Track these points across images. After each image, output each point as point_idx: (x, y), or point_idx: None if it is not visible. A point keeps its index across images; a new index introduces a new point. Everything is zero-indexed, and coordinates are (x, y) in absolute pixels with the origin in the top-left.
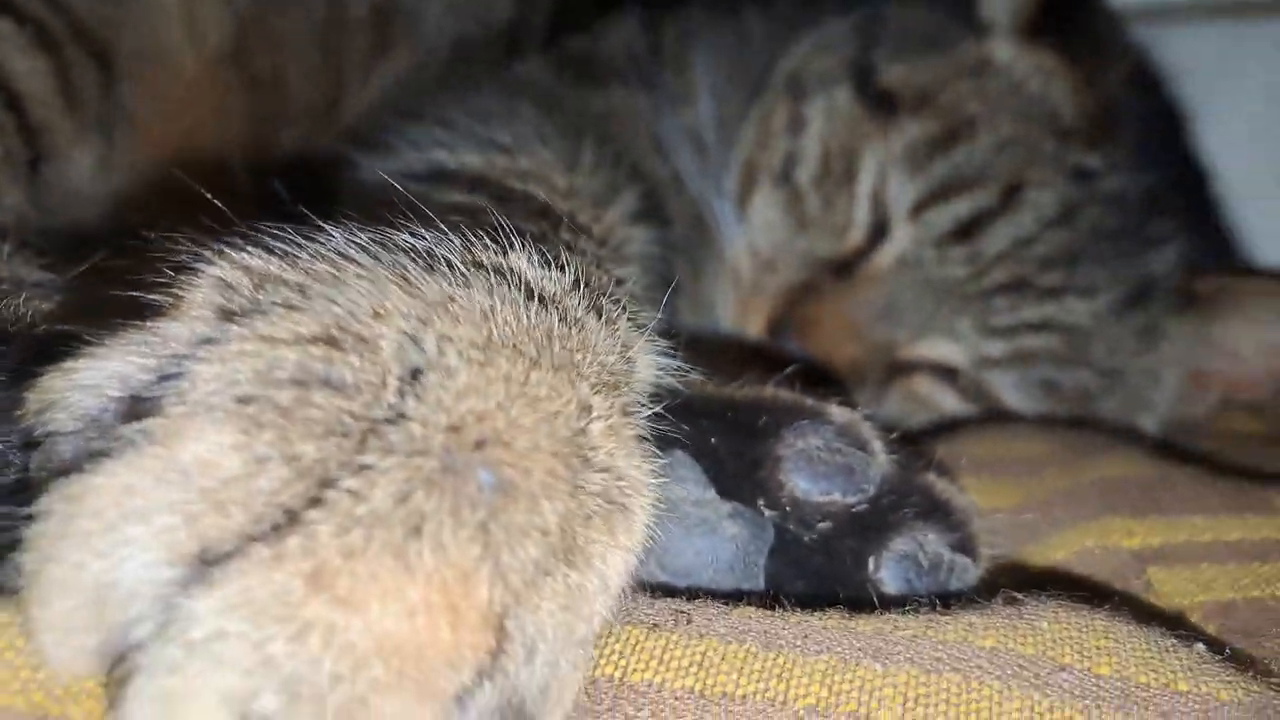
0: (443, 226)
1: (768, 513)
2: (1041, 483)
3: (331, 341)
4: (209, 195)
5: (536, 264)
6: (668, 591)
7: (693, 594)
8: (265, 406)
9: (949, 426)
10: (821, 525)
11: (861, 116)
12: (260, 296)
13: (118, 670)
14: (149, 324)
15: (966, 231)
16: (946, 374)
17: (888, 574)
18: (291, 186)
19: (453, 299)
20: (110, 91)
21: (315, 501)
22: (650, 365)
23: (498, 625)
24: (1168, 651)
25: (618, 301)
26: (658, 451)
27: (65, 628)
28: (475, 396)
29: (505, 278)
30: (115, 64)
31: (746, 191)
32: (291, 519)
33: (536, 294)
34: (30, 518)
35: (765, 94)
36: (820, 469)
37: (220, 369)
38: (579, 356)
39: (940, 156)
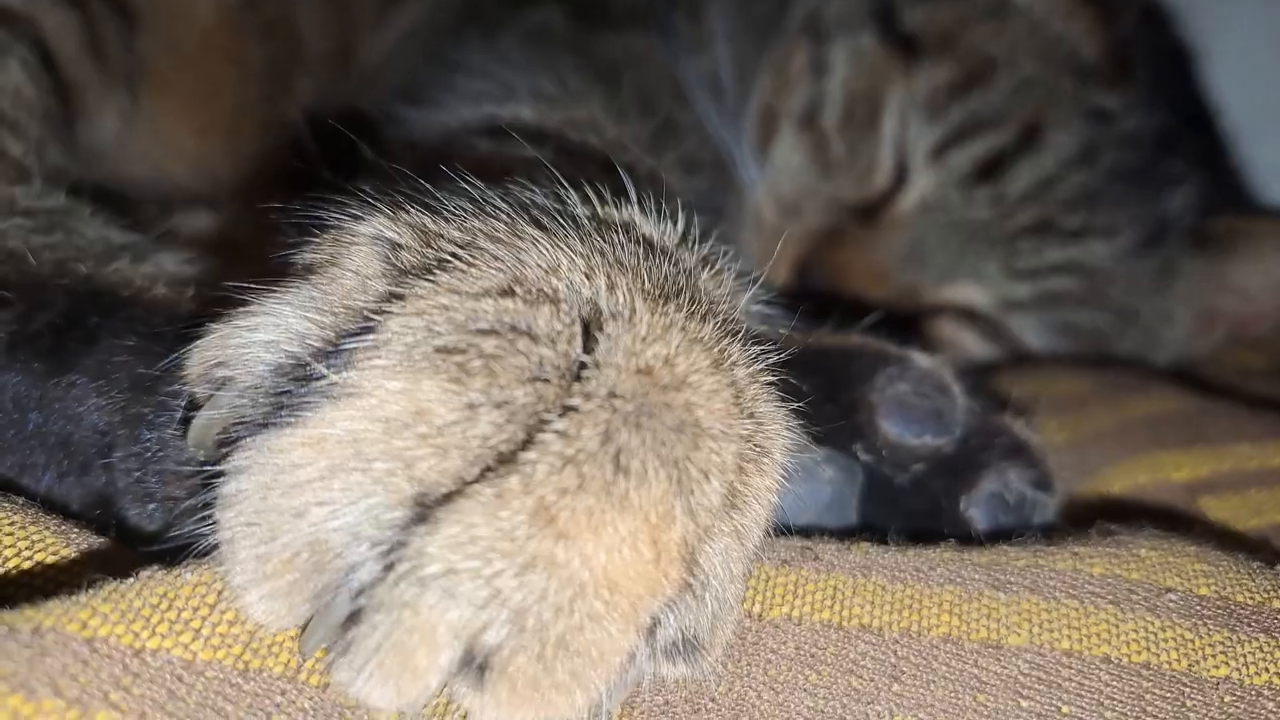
0: (553, 171)
1: (864, 457)
2: (1088, 420)
3: (517, 294)
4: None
5: (649, 217)
6: (779, 531)
7: (805, 532)
8: (472, 355)
9: (984, 369)
10: (915, 467)
11: (885, 60)
12: (430, 253)
13: (330, 616)
14: (312, 282)
15: (988, 172)
16: (970, 317)
17: (978, 512)
18: (319, 140)
19: (601, 253)
20: (132, 45)
21: (528, 443)
22: (749, 304)
23: (690, 559)
24: (1257, 573)
25: (715, 247)
26: None
27: (278, 579)
28: (658, 342)
29: (629, 232)
30: (136, 14)
31: (766, 135)
32: (505, 460)
33: (656, 245)
34: (214, 477)
35: (781, 36)
36: (912, 413)
37: (418, 321)
38: (711, 306)
39: (960, 100)
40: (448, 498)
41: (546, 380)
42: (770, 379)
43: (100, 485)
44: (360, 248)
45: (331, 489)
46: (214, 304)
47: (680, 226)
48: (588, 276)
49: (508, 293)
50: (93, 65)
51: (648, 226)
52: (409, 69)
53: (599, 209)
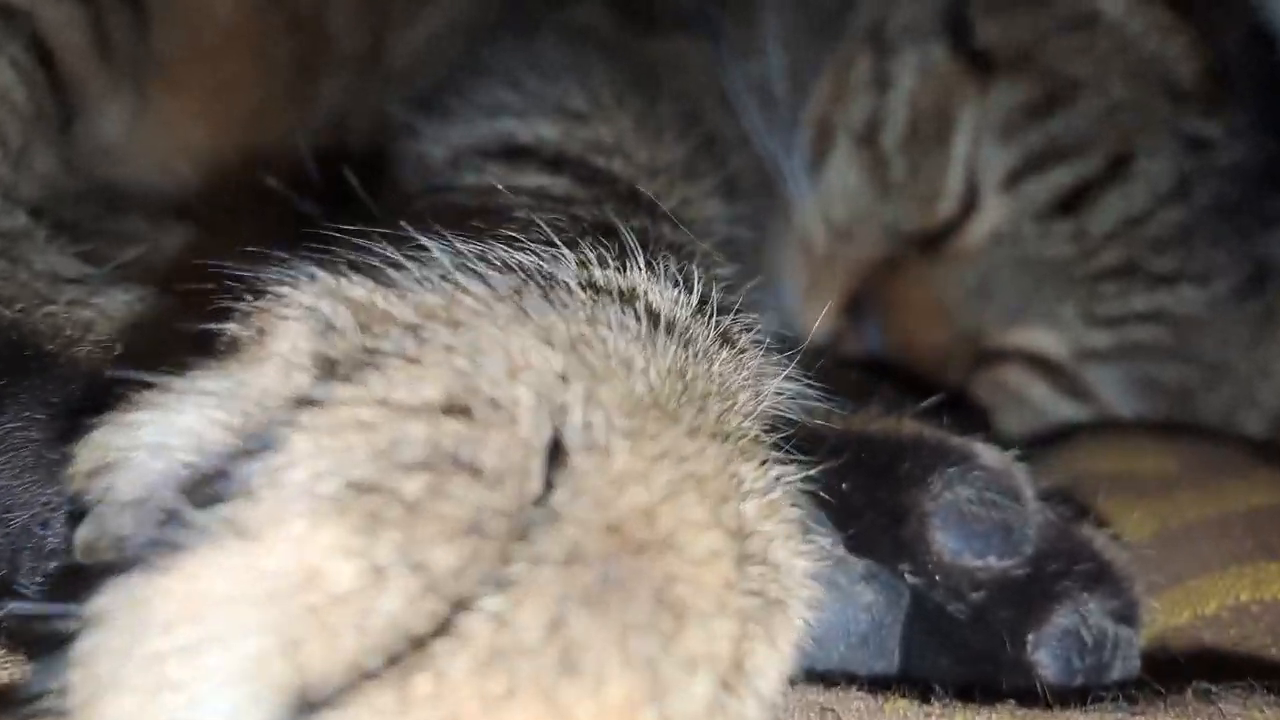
0: (545, 228)
1: (911, 579)
2: (1177, 509)
3: (463, 410)
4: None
5: (660, 283)
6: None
7: (826, 678)
8: (389, 498)
9: (1060, 435)
10: (974, 595)
11: (957, 75)
12: (368, 341)
13: None
14: (227, 364)
15: (1070, 205)
16: (1042, 366)
17: (1047, 654)
18: (338, 154)
19: (588, 343)
20: (144, 39)
21: (447, 627)
22: (776, 387)
23: None
24: None
25: (738, 318)
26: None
27: None
28: (639, 485)
29: (631, 305)
30: (148, 6)
31: (820, 151)
32: (418, 648)
33: (663, 322)
34: (77, 619)
35: (842, 43)
36: (975, 527)
37: (328, 443)
38: (721, 407)
39: (1038, 122)
40: (338, 695)
41: (485, 538)
42: (795, 499)
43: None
44: (292, 324)
45: (191, 670)
46: (141, 366)
47: (698, 292)
48: (563, 382)
49: (452, 409)
50: (97, 61)
51: (655, 294)
52: (440, 70)
53: (596, 272)
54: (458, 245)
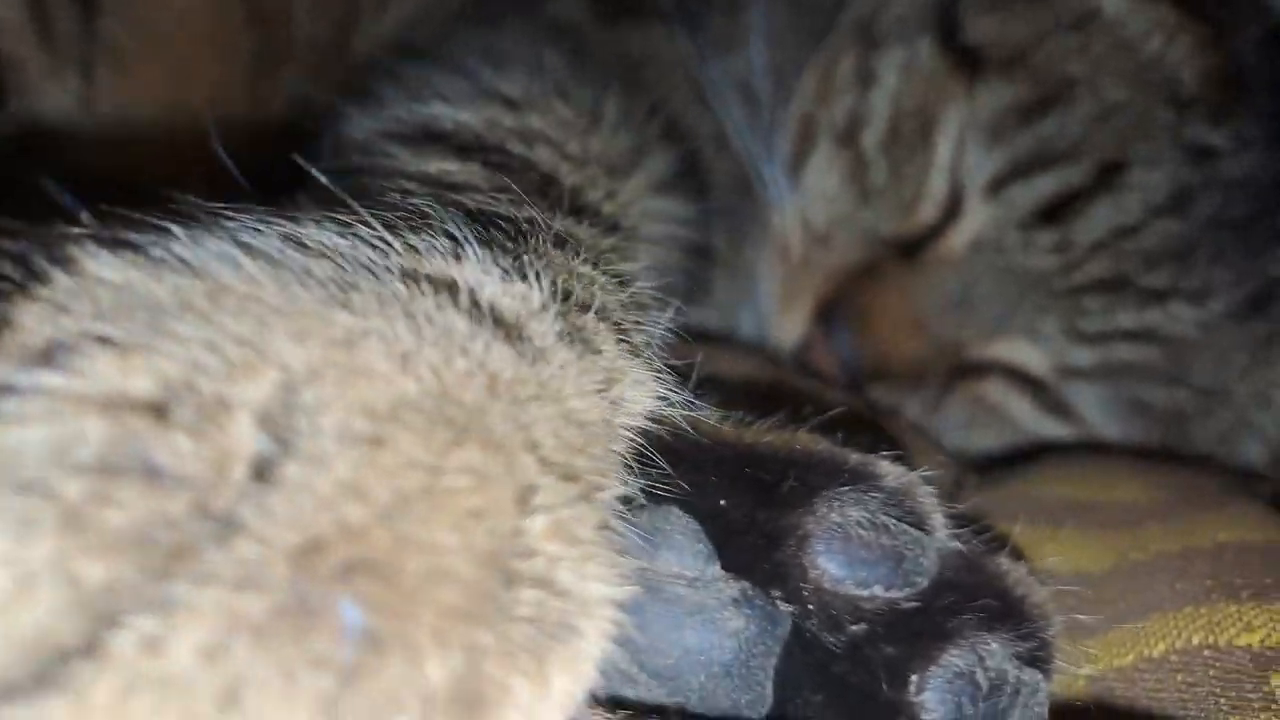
0: (390, 213)
1: (783, 606)
2: (1139, 541)
3: (163, 408)
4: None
5: (497, 274)
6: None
7: (683, 713)
8: (50, 501)
9: (1031, 454)
10: (854, 628)
11: (944, 74)
12: (93, 326)
13: None
14: None
15: (1056, 213)
16: (1024, 382)
17: (934, 697)
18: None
19: (360, 338)
20: (92, 24)
21: (93, 646)
22: (648, 394)
23: None
24: None
25: (607, 316)
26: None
27: None
28: (351, 500)
29: (452, 296)
30: None
31: (802, 152)
32: (63, 664)
33: (491, 318)
34: None
35: (830, 39)
36: (860, 552)
37: (7, 438)
38: (533, 412)
39: (1028, 125)
40: None
41: (152, 550)
42: (601, 522)
43: None
44: (34, 305)
45: None
46: None
47: (543, 290)
48: (305, 381)
49: (154, 407)
50: (36, 42)
51: (490, 289)
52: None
53: (424, 262)
54: (255, 223)
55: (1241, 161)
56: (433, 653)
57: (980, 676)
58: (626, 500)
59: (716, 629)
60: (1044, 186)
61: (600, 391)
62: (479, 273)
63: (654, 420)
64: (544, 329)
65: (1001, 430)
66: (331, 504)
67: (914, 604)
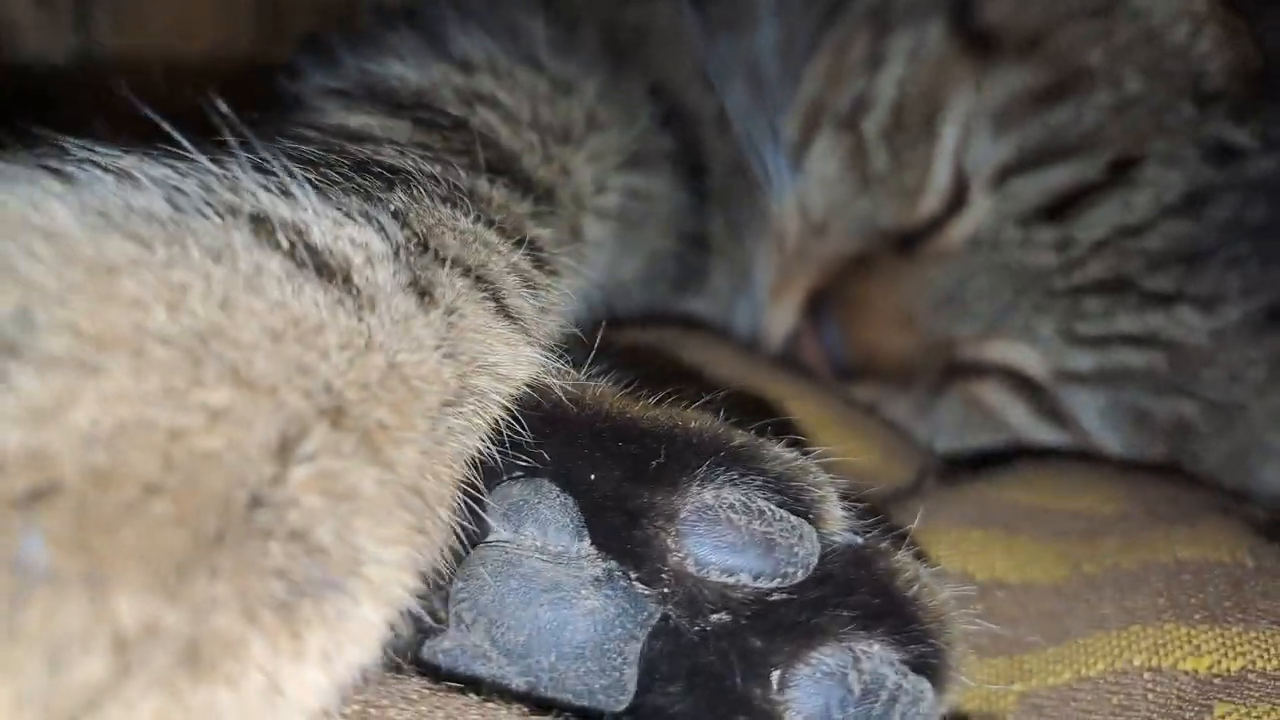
0: (241, 157)
1: (640, 588)
2: (1096, 554)
3: None
4: None
5: (332, 219)
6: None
7: (529, 697)
8: None
9: (1005, 456)
10: (716, 617)
11: (953, 57)
12: None
13: None
14: None
15: (1059, 210)
16: (1020, 385)
17: (800, 696)
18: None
19: (123, 267)
20: None
21: None
22: (523, 361)
23: None
24: None
25: (486, 277)
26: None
27: None
28: (47, 425)
29: (270, 235)
30: None
31: (808, 138)
32: None
33: (314, 262)
34: None
35: (843, 20)
36: (728, 537)
37: None
38: (334, 359)
39: (1040, 113)
40: None
41: None
42: (385, 479)
43: None
44: None
45: None
46: None
47: (391, 237)
48: (35, 305)
49: None
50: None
51: (319, 231)
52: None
53: (247, 200)
54: (103, 159)
55: (1266, 162)
56: (128, 596)
57: (853, 679)
58: (496, 469)
59: (570, 607)
60: (1052, 180)
61: (443, 349)
62: (310, 215)
63: (536, 389)
64: (380, 278)
65: (996, 434)
66: (20, 425)
67: (785, 596)
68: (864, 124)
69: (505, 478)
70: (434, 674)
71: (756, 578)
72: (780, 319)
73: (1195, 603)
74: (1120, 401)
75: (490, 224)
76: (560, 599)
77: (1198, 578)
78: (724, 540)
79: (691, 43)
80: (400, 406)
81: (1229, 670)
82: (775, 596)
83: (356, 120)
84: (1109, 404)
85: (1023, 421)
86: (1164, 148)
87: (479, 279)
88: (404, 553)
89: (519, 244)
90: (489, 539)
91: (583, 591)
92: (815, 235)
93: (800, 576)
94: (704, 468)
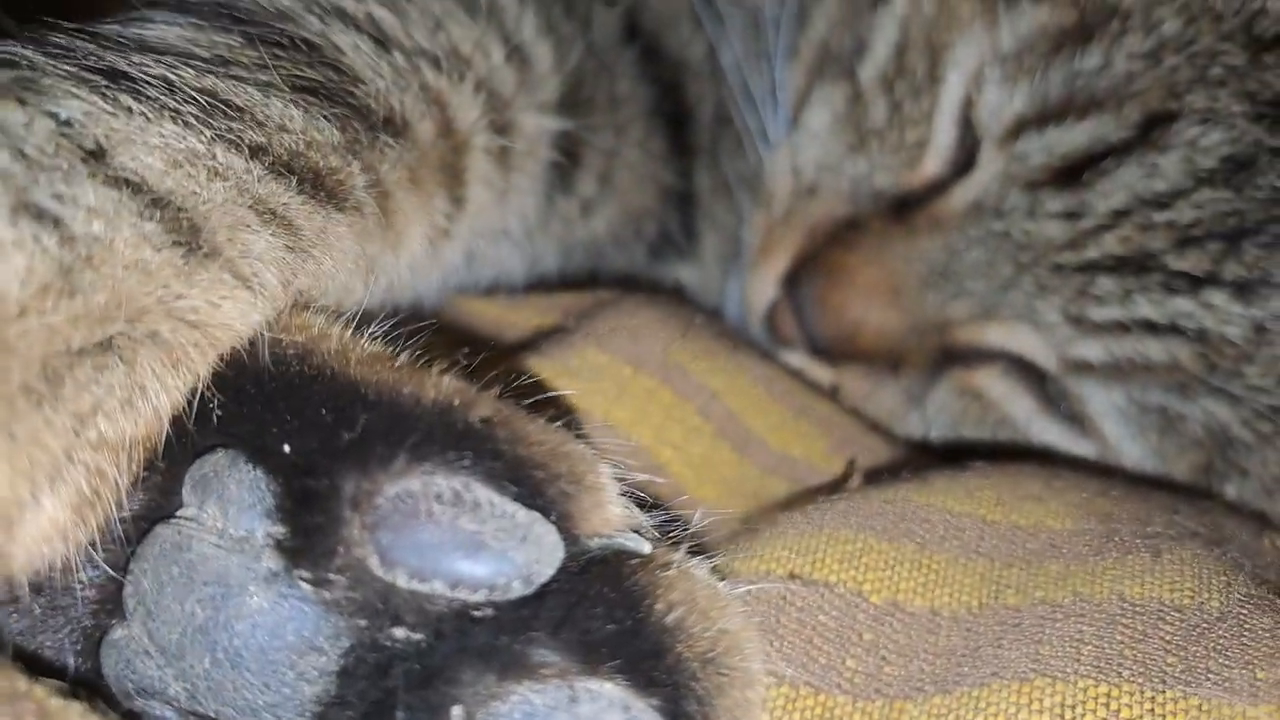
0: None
1: (306, 587)
2: (1025, 583)
3: None
4: None
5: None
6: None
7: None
8: None
9: (984, 453)
10: (400, 632)
11: None
12: None
13: None
14: None
15: (1074, 173)
16: (1026, 376)
17: None
18: None
19: None
20: None
21: None
22: (233, 309)
23: None
24: None
25: (176, 206)
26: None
27: None
28: None
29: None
30: None
31: (808, 91)
32: None
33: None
34: None
35: None
36: (424, 533)
37: None
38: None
39: (1063, 58)
40: None
41: None
42: None
43: None
44: None
45: None
46: None
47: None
48: None
49: None
50: None
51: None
52: None
53: None
54: None
55: None
56: None
57: None
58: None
59: (228, 607)
60: (1072, 139)
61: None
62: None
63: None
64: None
65: (998, 429)
66: None
67: (492, 613)
68: (861, 70)
69: (218, 448)
70: (97, 673)
71: (454, 587)
72: (759, 290)
73: (1130, 655)
74: (1142, 401)
75: (249, 150)
76: (222, 594)
77: (1141, 622)
78: (418, 537)
79: None
80: None
81: None
82: (481, 613)
83: (160, 32)
84: (1127, 403)
85: (1027, 417)
86: (1204, 102)
87: (172, 205)
88: None
89: (291, 172)
90: (174, 516)
91: (250, 588)
92: (805, 196)
93: (519, 590)
94: (415, 444)
